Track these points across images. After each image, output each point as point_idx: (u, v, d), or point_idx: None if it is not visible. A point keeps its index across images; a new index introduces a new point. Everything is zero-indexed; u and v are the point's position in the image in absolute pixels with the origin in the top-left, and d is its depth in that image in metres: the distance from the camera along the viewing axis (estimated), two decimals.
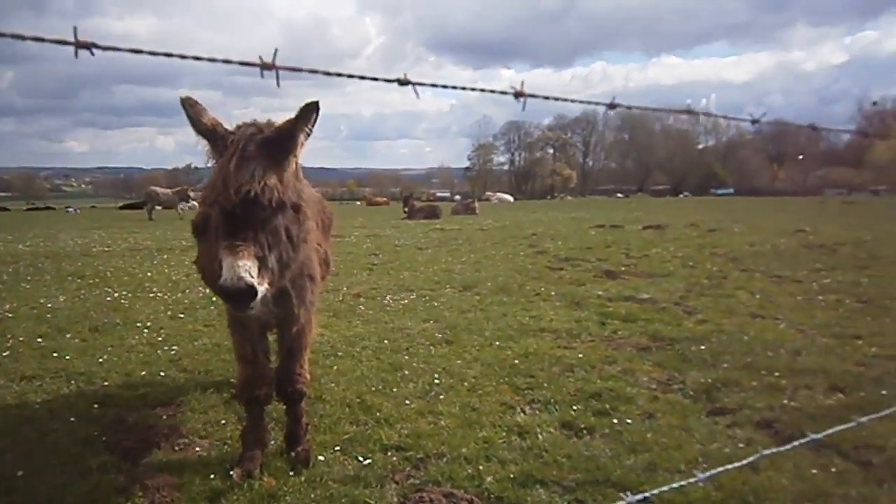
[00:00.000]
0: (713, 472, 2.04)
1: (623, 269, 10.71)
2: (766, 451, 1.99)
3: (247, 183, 2.59)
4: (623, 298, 8.20)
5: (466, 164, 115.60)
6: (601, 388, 4.94)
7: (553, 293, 8.66)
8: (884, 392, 4.86)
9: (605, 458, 3.83)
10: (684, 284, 9.18)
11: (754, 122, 2.76)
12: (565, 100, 1.81)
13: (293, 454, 3.84)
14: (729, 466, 2.24)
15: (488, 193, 78.92)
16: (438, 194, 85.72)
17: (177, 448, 4.07)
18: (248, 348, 3.68)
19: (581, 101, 1.85)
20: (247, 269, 2.48)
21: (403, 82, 1.60)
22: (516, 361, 5.65)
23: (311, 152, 2.77)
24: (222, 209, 2.63)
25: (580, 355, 5.80)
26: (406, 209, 30.17)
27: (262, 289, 2.59)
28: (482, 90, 1.79)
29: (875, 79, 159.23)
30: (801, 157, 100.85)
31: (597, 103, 1.72)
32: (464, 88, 1.87)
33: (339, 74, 1.70)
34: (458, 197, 49.14)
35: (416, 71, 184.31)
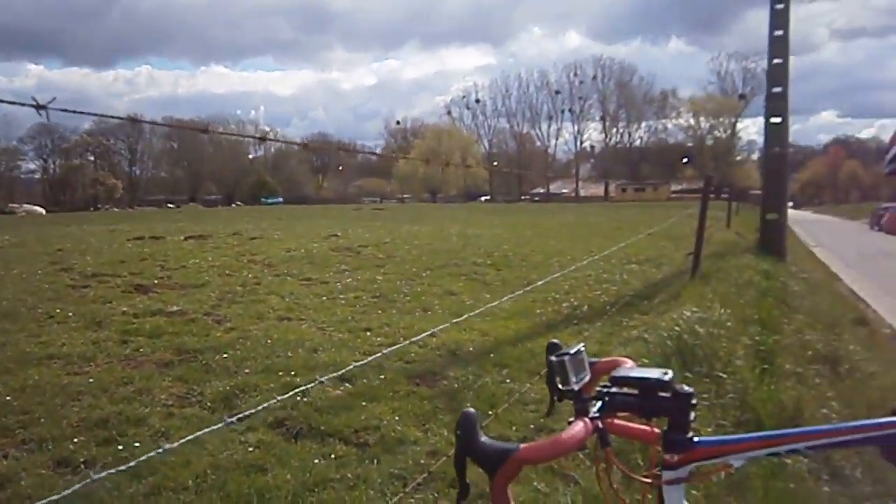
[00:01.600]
0: None
1: (156, 282, 10.18)
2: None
3: None
4: (151, 313, 7.76)
5: None
6: (110, 414, 4.53)
7: (71, 314, 7.78)
8: (382, 376, 5.42)
9: (104, 492, 3.49)
10: (218, 293, 9.09)
11: (261, 139, 2.76)
12: None
13: None
14: None
15: (13, 205, 68.82)
16: None
17: None
18: None
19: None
20: None
21: None
22: (9, 398, 4.88)
23: None
24: None
25: (91, 380, 5.27)
26: None
27: None
28: None
29: (398, 101, 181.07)
30: (340, 167, 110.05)
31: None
32: None
33: None
34: None
35: None
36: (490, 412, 4.65)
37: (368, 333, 6.81)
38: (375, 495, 3.55)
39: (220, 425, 2.76)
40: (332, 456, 4.02)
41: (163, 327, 7.02)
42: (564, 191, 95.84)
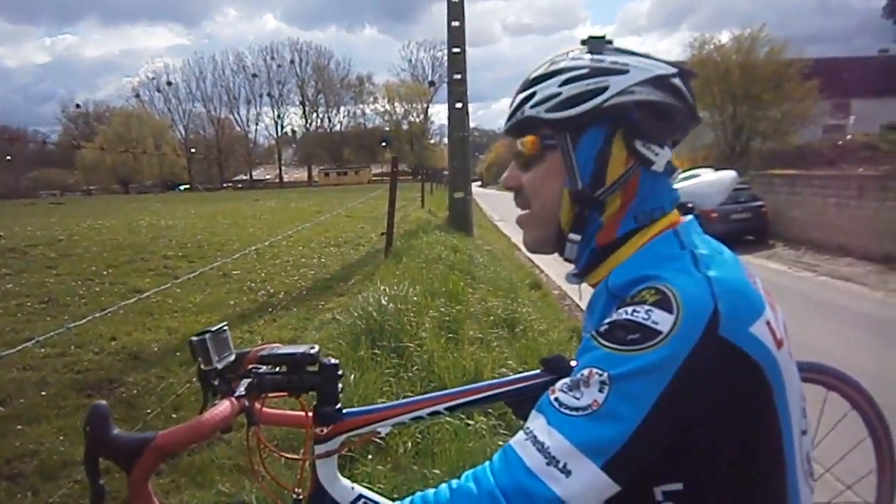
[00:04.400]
0: None
1: None
2: None
3: None
4: None
5: None
6: None
7: None
8: (44, 392, 4.76)
9: None
10: None
11: None
12: None
13: None
14: None
15: None
16: None
17: None
18: None
19: None
20: None
21: None
22: None
23: None
24: None
25: None
26: None
27: None
28: None
29: (78, 82, 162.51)
30: (9, 157, 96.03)
31: None
32: None
33: None
34: None
35: None
36: (174, 416, 4.30)
37: (29, 344, 5.93)
38: None
39: None
40: None
41: None
42: (268, 177, 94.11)
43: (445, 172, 32.14)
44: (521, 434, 0.91)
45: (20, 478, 3.62)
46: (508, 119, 1.13)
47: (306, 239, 12.96)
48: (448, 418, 3.64)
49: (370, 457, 3.36)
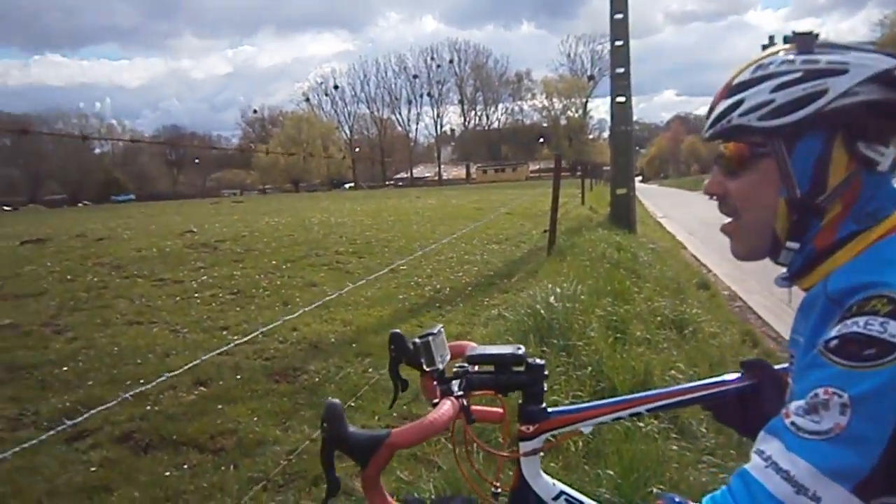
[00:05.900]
0: None
1: None
2: None
3: None
4: None
5: None
6: None
7: None
8: (239, 376, 5.19)
9: None
10: (58, 301, 8.41)
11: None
12: None
13: None
14: None
15: None
16: None
17: None
18: None
19: None
20: None
21: None
22: None
23: None
24: None
25: None
26: None
27: None
28: None
29: (255, 89, 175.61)
30: (196, 161, 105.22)
31: None
32: None
33: None
34: None
35: None
36: (352, 403, 4.56)
37: (225, 332, 6.52)
38: (233, 503, 3.38)
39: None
40: (186, 466, 3.81)
41: None
42: (427, 175, 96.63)
43: (605, 168, 31.49)
44: (757, 460, 0.89)
45: (222, 452, 3.98)
46: (711, 126, 1.08)
47: (468, 236, 13.21)
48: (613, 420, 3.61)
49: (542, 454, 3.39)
